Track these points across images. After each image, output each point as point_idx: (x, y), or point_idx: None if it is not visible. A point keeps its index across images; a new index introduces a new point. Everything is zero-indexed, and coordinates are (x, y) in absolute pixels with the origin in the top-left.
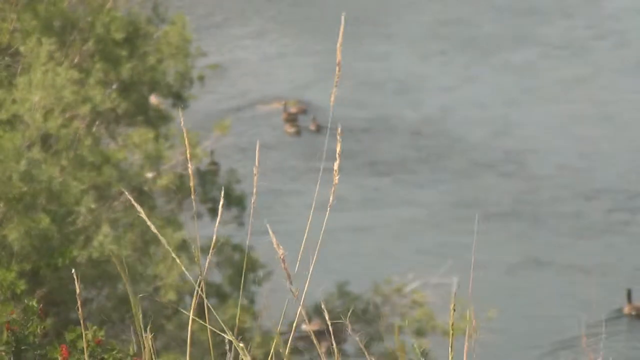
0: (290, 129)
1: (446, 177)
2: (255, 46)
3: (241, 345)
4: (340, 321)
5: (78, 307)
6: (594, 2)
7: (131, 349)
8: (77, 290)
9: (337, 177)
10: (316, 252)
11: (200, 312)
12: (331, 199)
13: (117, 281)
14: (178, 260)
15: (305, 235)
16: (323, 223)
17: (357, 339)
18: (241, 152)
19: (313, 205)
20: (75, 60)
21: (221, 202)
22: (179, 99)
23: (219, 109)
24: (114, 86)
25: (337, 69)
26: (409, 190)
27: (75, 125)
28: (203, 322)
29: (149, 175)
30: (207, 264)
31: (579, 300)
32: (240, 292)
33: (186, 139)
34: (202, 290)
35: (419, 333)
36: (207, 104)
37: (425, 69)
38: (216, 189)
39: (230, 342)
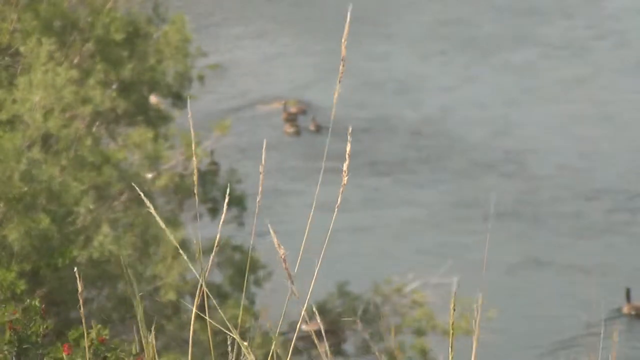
0: (290, 129)
1: (446, 177)
2: (255, 46)
3: (245, 343)
4: (350, 319)
5: (80, 306)
6: (594, 2)
7: (133, 348)
8: (80, 289)
9: (346, 178)
10: (322, 252)
11: (200, 312)
12: (339, 199)
13: (117, 281)
14: (185, 256)
15: (306, 235)
16: (327, 223)
17: (367, 336)
18: (241, 152)
19: (313, 205)
20: (76, 61)
21: (226, 201)
22: (179, 98)
23: (219, 109)
24: (114, 86)
25: (341, 64)
26: (409, 190)
27: (76, 126)
28: (209, 320)
29: (149, 175)
30: (209, 263)
31: (579, 300)
32: (244, 293)
33: (192, 139)
34: (204, 289)
35: (419, 333)
36: (207, 104)
37: (425, 69)
38: (216, 189)
39: (233, 342)
